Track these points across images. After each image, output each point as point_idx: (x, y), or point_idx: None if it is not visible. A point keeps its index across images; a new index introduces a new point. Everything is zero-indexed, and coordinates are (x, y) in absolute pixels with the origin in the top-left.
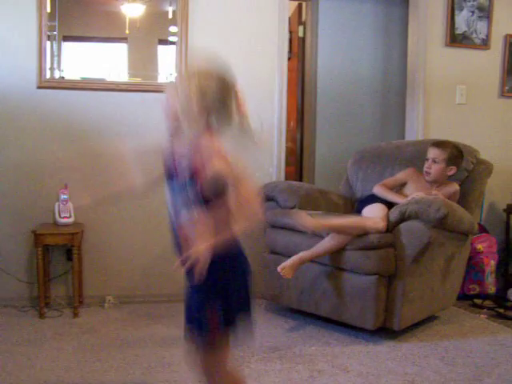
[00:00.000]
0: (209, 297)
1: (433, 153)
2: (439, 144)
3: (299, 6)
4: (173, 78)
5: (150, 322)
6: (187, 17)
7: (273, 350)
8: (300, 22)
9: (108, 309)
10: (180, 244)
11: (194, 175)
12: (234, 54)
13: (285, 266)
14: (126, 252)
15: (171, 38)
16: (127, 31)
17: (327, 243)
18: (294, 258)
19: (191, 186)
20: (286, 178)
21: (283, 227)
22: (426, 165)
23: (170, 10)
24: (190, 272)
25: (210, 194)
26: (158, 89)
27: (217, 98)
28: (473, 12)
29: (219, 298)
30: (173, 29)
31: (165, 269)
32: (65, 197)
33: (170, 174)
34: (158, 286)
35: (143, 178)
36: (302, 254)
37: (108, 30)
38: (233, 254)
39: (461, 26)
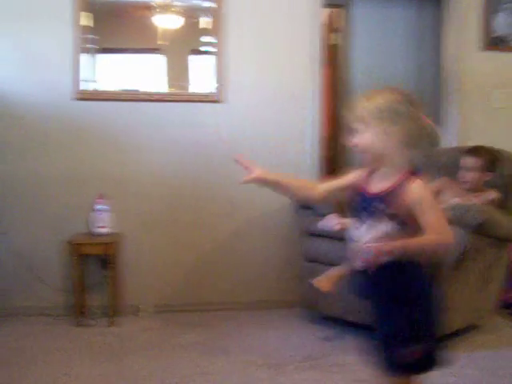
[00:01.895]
0: (412, 310)
1: (467, 161)
2: (473, 151)
3: (331, 13)
4: (212, 88)
5: (185, 330)
6: (223, 27)
7: (309, 359)
8: (332, 29)
9: (143, 318)
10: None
11: (392, 205)
12: (267, 62)
13: (321, 279)
14: (161, 261)
15: (203, 48)
16: (161, 42)
17: None
18: (332, 272)
19: (385, 211)
20: None
21: (320, 235)
22: (462, 174)
23: (203, 20)
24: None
25: (405, 219)
26: (191, 99)
27: (413, 123)
28: (509, 15)
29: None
30: (204, 39)
31: (199, 278)
32: (101, 207)
33: (359, 206)
34: (193, 295)
35: None
36: (340, 269)
37: (142, 41)
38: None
39: (497, 30)
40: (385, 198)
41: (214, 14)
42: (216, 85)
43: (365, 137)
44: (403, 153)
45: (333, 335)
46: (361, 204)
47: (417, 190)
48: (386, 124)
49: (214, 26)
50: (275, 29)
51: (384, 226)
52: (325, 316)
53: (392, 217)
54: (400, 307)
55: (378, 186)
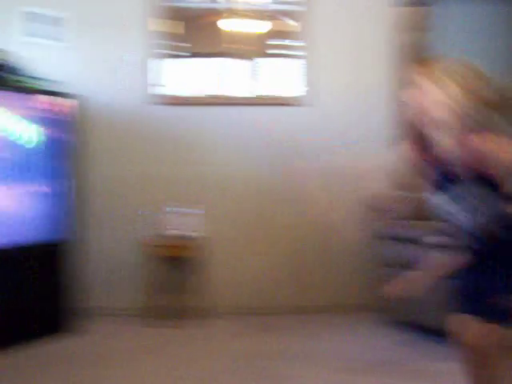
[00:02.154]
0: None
1: None
2: None
3: (413, 12)
4: (298, 91)
5: (263, 334)
6: (309, 31)
7: (388, 364)
8: (414, 29)
9: (224, 320)
10: (483, 243)
11: (482, 174)
12: (354, 64)
13: (396, 283)
14: (240, 264)
15: (288, 52)
16: (244, 46)
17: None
18: (407, 276)
19: (483, 185)
20: None
21: (395, 238)
22: None
23: (288, 23)
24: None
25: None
26: (276, 102)
27: (487, 93)
28: None
29: None
30: (287, 42)
31: (277, 281)
32: (178, 209)
33: (443, 183)
34: (270, 298)
35: None
36: (416, 273)
37: (225, 46)
38: None
39: None
40: (463, 162)
41: (302, 17)
42: (303, 88)
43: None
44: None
45: (409, 340)
46: (442, 176)
47: (482, 142)
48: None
49: (301, 29)
50: (352, 30)
51: (475, 191)
52: (400, 321)
53: (478, 178)
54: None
55: (448, 153)
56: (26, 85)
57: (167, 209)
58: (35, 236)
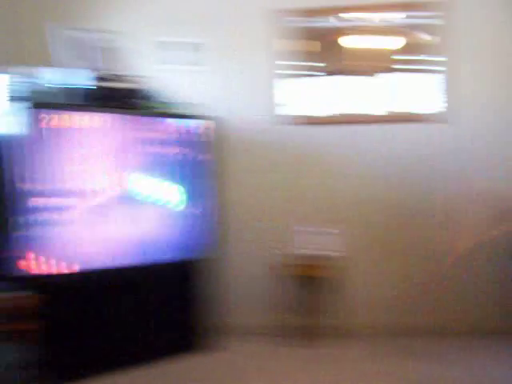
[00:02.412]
0: None
1: None
2: None
3: None
4: (438, 108)
5: (398, 357)
6: (448, 45)
7: None
8: None
9: (354, 341)
10: None
11: None
12: (487, 78)
13: None
14: (371, 283)
15: (424, 67)
16: (379, 63)
17: None
18: None
19: None
20: None
21: None
22: None
23: (424, 38)
24: None
25: None
26: (414, 119)
27: None
28: None
29: None
30: (416, 57)
31: (413, 301)
32: (311, 229)
33: None
34: (408, 319)
35: None
36: None
37: (358, 63)
38: None
39: None
40: None
41: (439, 30)
42: (441, 104)
43: None
44: None
45: None
46: None
47: None
48: None
49: (439, 42)
50: (501, 43)
51: None
52: None
53: None
54: None
55: None
56: (167, 109)
57: (300, 228)
58: (176, 254)
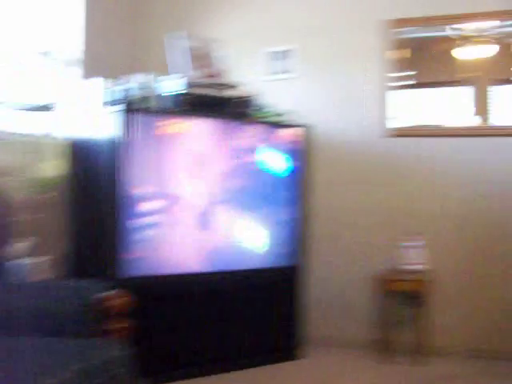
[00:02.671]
0: None
1: None
2: None
3: None
4: None
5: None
6: None
7: None
8: None
9: (452, 362)
10: None
11: None
12: None
13: None
14: (473, 301)
15: None
16: (469, 73)
17: None
18: None
19: None
20: None
21: None
22: None
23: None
24: None
25: None
26: (506, 133)
27: None
28: None
29: None
30: None
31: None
32: (412, 243)
33: None
34: (501, 340)
35: None
36: None
37: (448, 74)
38: None
39: None
40: None
41: None
42: None
43: None
44: None
45: None
46: None
47: None
48: None
49: None
50: None
51: None
52: None
53: None
54: None
55: None
56: (267, 118)
57: (407, 243)
58: (270, 262)
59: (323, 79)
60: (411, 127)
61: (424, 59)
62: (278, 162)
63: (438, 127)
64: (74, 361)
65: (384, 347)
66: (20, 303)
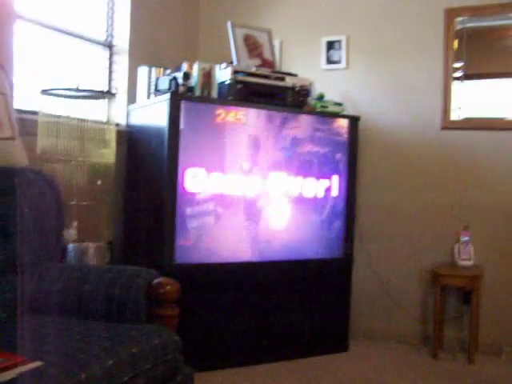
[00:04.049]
0: None
1: None
2: None
3: None
4: None
5: None
6: None
7: None
8: None
9: (507, 360)
10: None
11: None
12: None
13: None
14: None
15: None
16: None
17: None
18: None
19: None
20: None
21: None
22: None
23: None
24: None
25: None
26: None
27: None
28: None
29: None
30: None
31: None
32: (466, 239)
33: None
34: None
35: None
36: None
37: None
38: None
39: None
40: None
41: None
42: None
43: None
44: None
45: None
46: None
47: None
48: None
49: None
50: None
51: None
52: None
53: None
54: None
55: None
56: (326, 108)
57: (461, 238)
58: (320, 253)
59: (377, 69)
60: (472, 119)
61: (483, 49)
62: (331, 152)
63: (501, 120)
64: (129, 344)
65: (437, 343)
66: (86, 287)
